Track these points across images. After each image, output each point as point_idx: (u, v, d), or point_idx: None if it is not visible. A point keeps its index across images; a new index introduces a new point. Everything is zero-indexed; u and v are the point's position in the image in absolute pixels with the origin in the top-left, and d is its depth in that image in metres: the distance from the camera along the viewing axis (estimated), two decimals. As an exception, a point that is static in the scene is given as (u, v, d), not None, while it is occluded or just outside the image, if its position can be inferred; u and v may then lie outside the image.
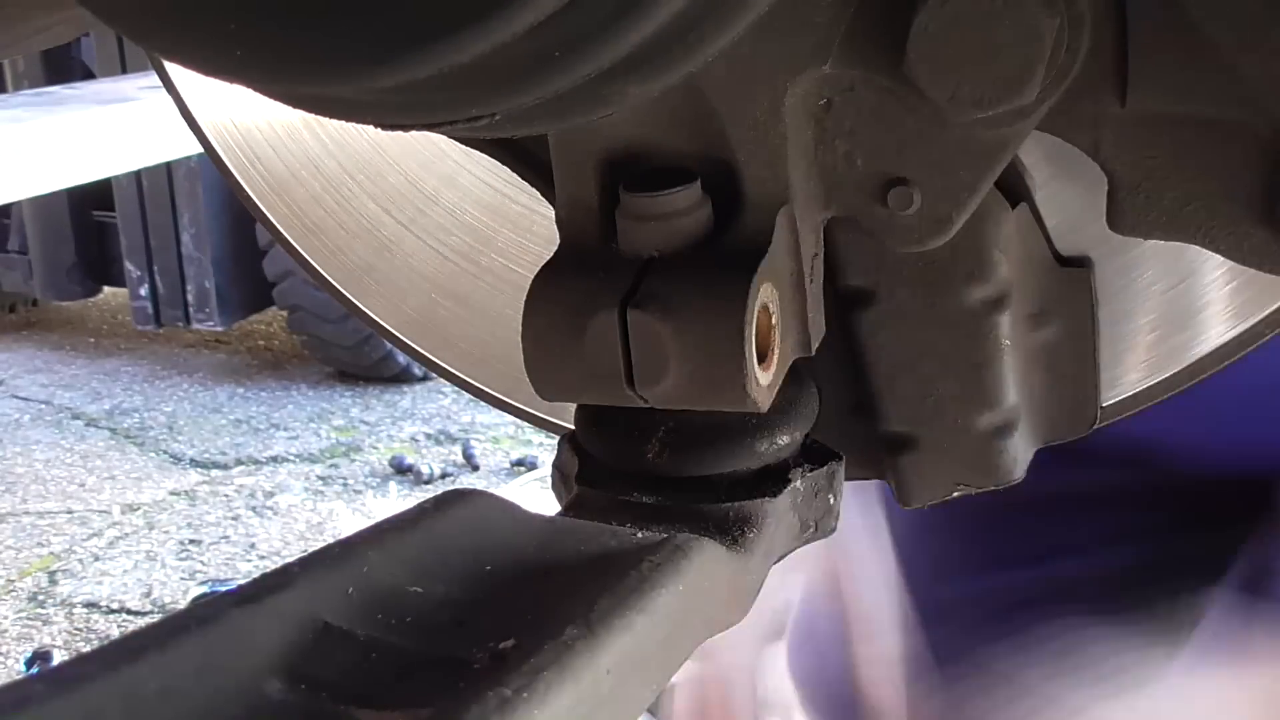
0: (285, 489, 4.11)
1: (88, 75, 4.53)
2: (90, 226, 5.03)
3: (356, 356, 4.71)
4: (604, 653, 0.31)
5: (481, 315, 0.63)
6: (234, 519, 3.95)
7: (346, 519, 3.86)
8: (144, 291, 4.83)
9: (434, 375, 0.64)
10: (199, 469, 4.30)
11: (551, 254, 0.44)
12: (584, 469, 0.45)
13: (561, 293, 0.42)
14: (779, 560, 0.45)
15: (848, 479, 0.48)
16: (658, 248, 0.41)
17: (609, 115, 0.35)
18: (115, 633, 3.35)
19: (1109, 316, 0.49)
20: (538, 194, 0.52)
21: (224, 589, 0.34)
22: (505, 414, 0.66)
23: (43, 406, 4.86)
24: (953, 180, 0.42)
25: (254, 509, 4.01)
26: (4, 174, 2.67)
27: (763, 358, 0.41)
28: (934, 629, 0.90)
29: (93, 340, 5.54)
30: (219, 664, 0.30)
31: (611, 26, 0.29)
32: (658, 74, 0.33)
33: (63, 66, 4.67)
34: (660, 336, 0.40)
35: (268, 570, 0.34)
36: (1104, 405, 0.50)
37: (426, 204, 0.63)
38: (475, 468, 4.13)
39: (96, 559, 3.76)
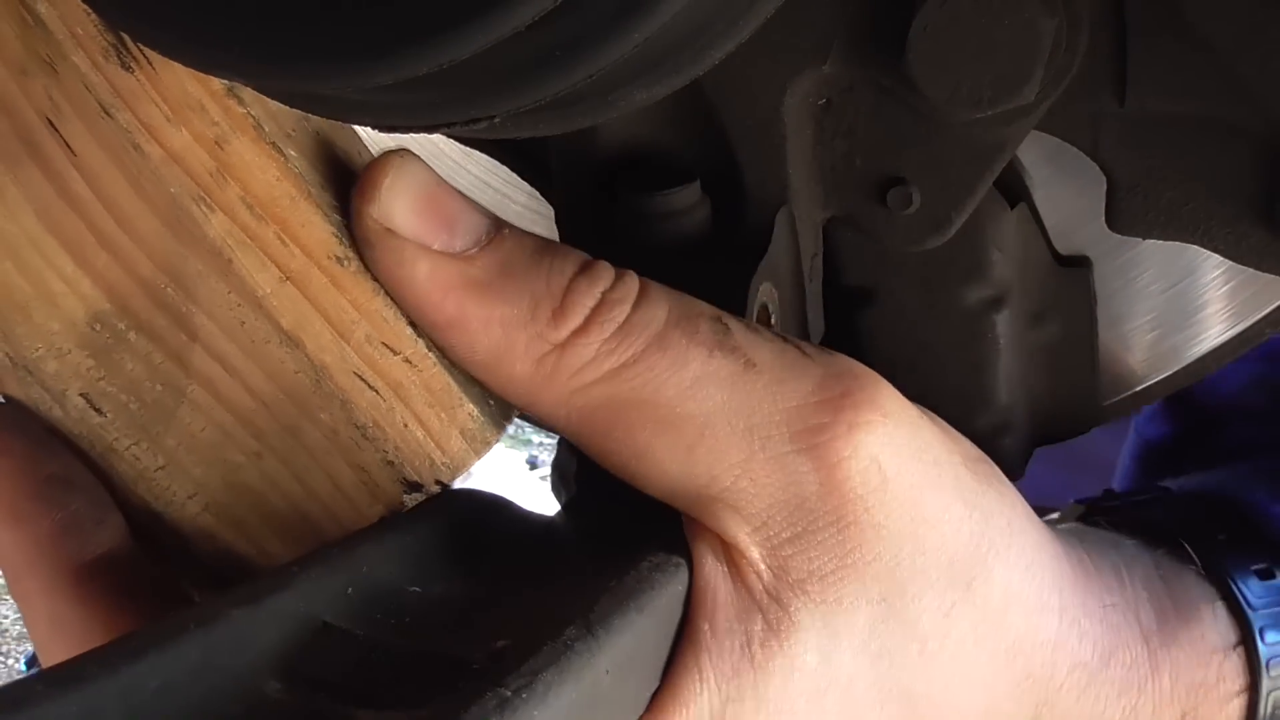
0: (285, 489, 4.11)
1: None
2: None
3: (357, 356, 4.71)
4: (603, 653, 0.31)
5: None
6: (234, 519, 3.95)
7: (347, 519, 3.85)
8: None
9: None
10: (199, 469, 4.30)
11: (551, 254, 0.44)
12: (583, 468, 0.45)
13: None
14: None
15: None
16: (657, 247, 0.41)
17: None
18: (115, 633, 3.34)
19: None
20: (537, 193, 0.52)
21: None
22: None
23: (43, 407, 4.85)
24: (951, 180, 0.42)
25: (254, 509, 4.00)
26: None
27: (762, 358, 0.41)
28: None
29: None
30: (218, 664, 0.30)
31: (614, 25, 0.29)
32: (666, 79, 0.33)
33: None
34: (659, 336, 0.40)
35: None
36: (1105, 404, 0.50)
37: (426, 204, 0.62)
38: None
39: (96, 559, 3.76)
